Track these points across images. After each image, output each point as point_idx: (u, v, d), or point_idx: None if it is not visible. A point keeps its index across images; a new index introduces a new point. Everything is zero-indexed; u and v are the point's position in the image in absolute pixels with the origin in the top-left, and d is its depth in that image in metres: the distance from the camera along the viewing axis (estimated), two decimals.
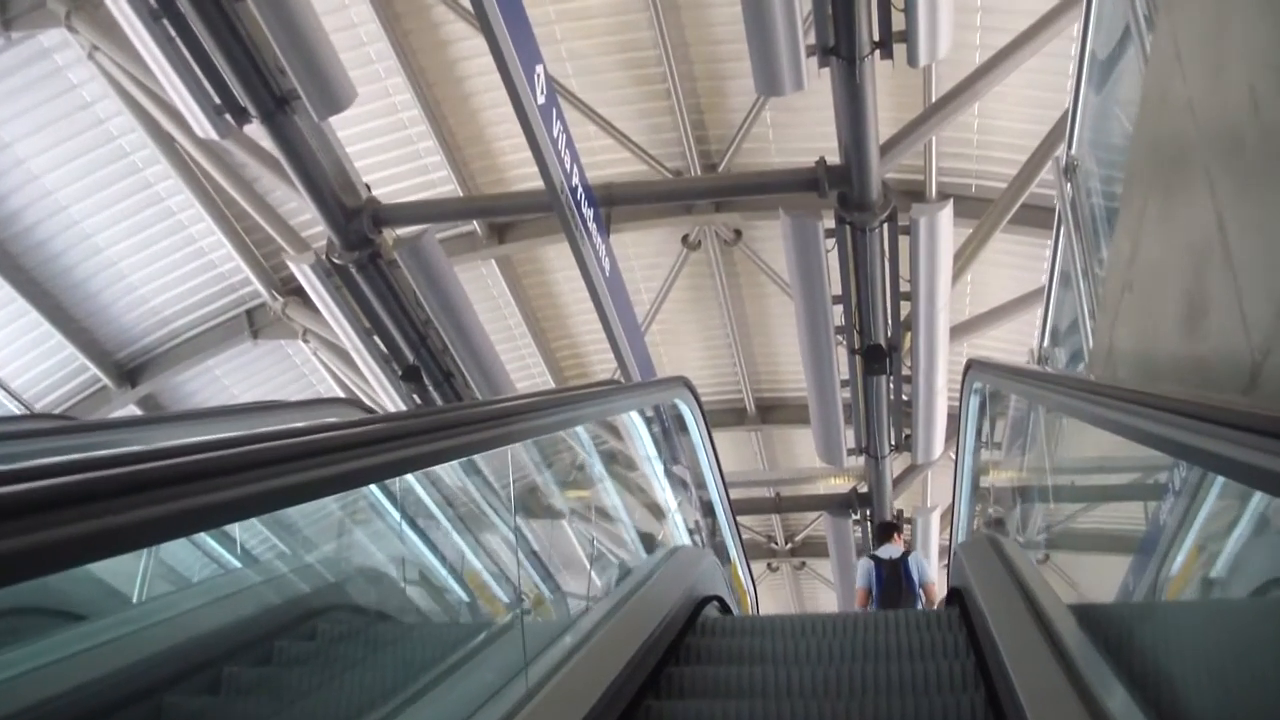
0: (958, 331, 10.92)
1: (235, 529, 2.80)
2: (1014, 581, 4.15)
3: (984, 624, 3.89)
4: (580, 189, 8.08)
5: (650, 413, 6.26)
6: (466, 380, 10.17)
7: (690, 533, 7.01)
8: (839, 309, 9.47)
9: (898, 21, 6.90)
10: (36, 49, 9.14)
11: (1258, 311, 2.39)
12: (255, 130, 8.14)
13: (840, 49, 6.88)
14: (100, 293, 11.27)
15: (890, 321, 9.58)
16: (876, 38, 6.94)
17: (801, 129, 10.66)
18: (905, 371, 10.30)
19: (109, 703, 2.37)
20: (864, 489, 13.52)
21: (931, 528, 13.86)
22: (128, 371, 12.15)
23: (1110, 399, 2.49)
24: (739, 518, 9.03)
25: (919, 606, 8.16)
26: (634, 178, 10.74)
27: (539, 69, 7.07)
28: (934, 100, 9.26)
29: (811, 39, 7.02)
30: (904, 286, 9.17)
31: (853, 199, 8.37)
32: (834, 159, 8.25)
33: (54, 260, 10.67)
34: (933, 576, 8.89)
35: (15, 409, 11.25)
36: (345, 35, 9.32)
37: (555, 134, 7.43)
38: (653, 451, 6.31)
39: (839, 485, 14.32)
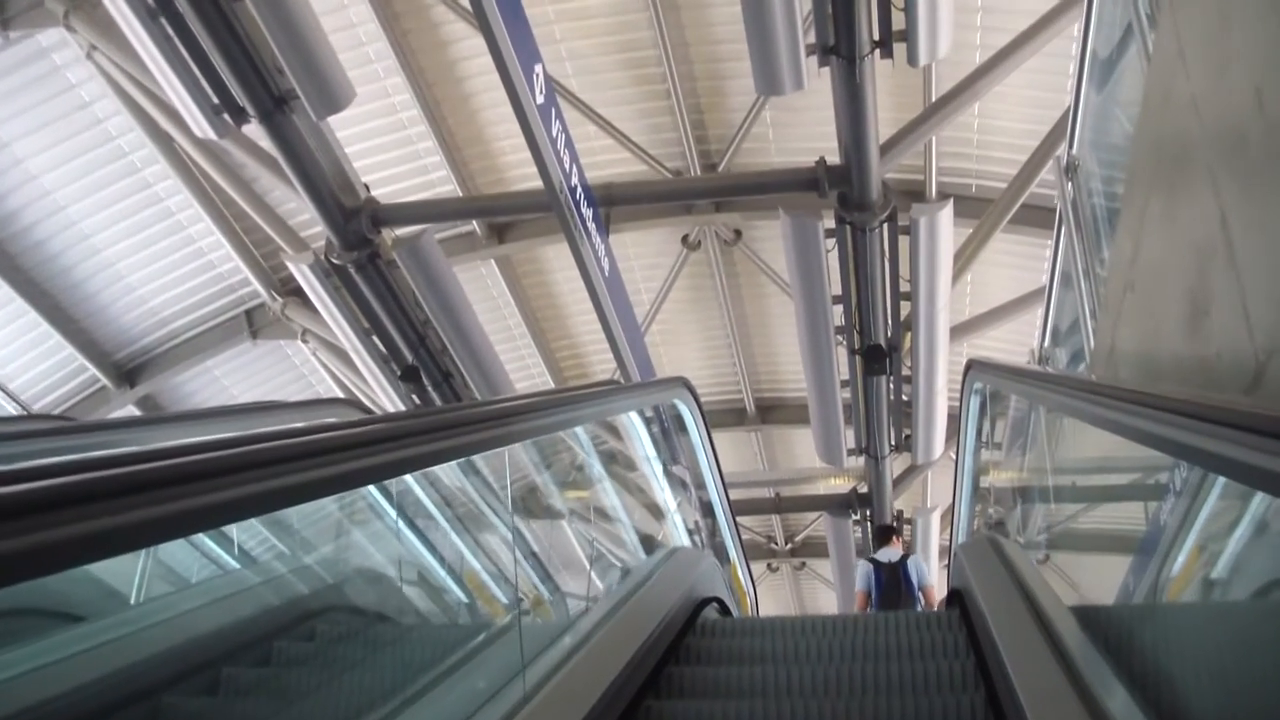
0: (958, 332, 10.91)
1: (233, 530, 2.79)
2: (1014, 582, 4.15)
3: (984, 624, 3.88)
4: (579, 189, 8.07)
5: (650, 413, 6.25)
6: (465, 380, 10.16)
7: (690, 533, 7.00)
8: (839, 309, 9.46)
9: (898, 21, 6.89)
10: (34, 48, 9.12)
11: (1262, 312, 2.37)
12: (254, 130, 8.13)
13: (840, 48, 6.87)
14: (99, 293, 11.25)
15: (890, 321, 9.57)
16: (876, 37, 6.93)
17: (801, 129, 10.65)
18: (905, 372, 10.29)
19: (107, 704, 2.37)
20: (864, 489, 13.50)
21: (931, 528, 13.85)
22: (127, 372, 12.14)
23: (1113, 399, 2.48)
24: (739, 518, 9.01)
25: (918, 609, 8.15)
26: (634, 178, 10.72)
27: (538, 68, 7.06)
28: (934, 100, 9.25)
29: (811, 38, 7.01)
30: (904, 286, 9.16)
31: (853, 199, 8.36)
32: (834, 159, 8.24)
33: (52, 260, 10.65)
34: (931, 580, 8.89)
35: (13, 410, 11.23)
36: (344, 35, 9.31)
37: (554, 134, 7.42)
38: (652, 452, 6.30)
39: (839, 485, 14.30)
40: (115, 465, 1.36)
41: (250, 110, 7.54)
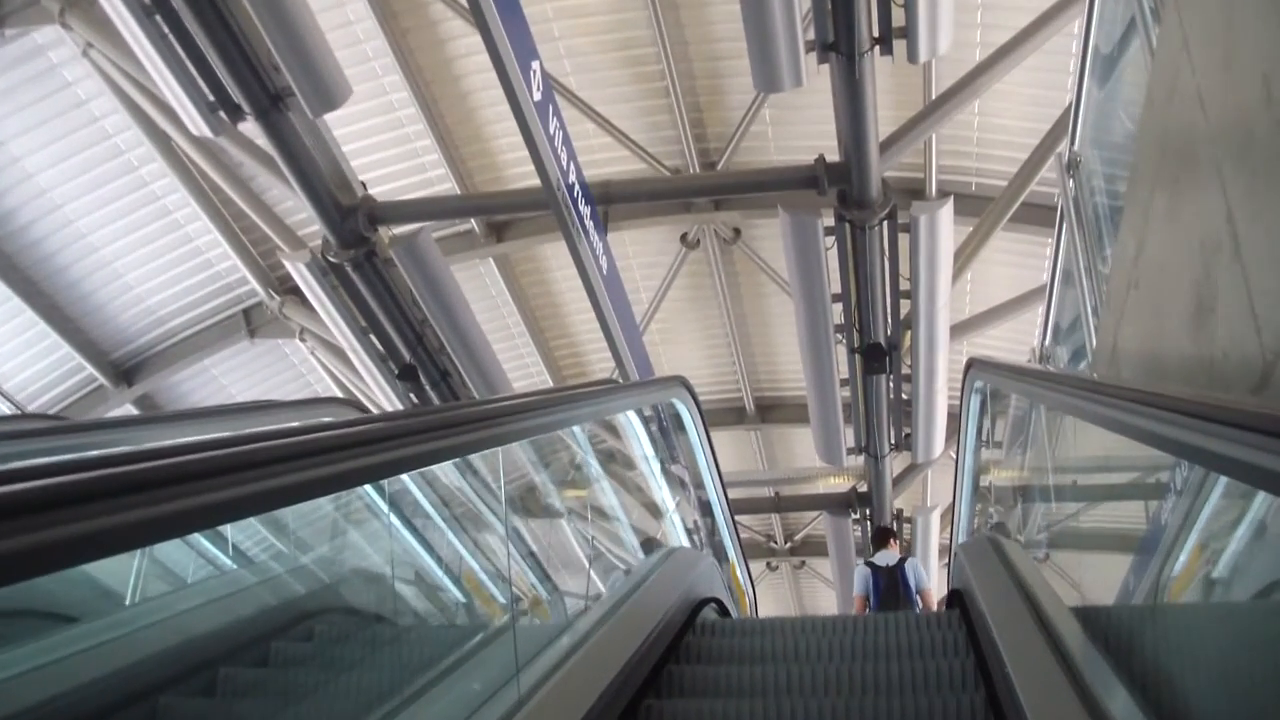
0: (958, 330, 10.89)
1: (228, 530, 2.77)
2: (1015, 583, 4.13)
3: (984, 624, 3.86)
4: (577, 187, 8.04)
5: (648, 412, 6.22)
6: (463, 379, 10.13)
7: (688, 533, 6.98)
8: (838, 307, 9.43)
9: (898, 18, 6.87)
10: (30, 46, 9.09)
11: (1270, 310, 2.34)
12: (250, 128, 8.10)
13: (840, 45, 6.84)
14: (96, 292, 11.22)
15: (890, 320, 9.54)
16: (876, 34, 6.91)
17: (801, 126, 10.63)
18: (905, 370, 10.27)
19: (104, 705, 2.37)
20: (864, 488, 13.49)
21: (931, 527, 13.84)
22: (124, 371, 12.11)
23: (1116, 399, 2.46)
24: (738, 517, 8.99)
25: (917, 612, 8.13)
26: (632, 176, 10.69)
27: (535, 64, 7.03)
28: (934, 97, 9.23)
29: (811, 35, 6.98)
30: (904, 285, 9.13)
31: (852, 197, 8.33)
32: (833, 157, 8.21)
33: (49, 259, 10.62)
34: (929, 583, 8.88)
35: (7, 409, 11.20)
36: (342, 33, 9.28)
37: (551, 131, 7.39)
38: (650, 451, 6.28)
39: (838, 484, 14.29)
40: (107, 465, 1.35)
41: (246, 108, 7.51)
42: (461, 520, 3.61)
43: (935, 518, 13.83)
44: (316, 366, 13.26)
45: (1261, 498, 1.84)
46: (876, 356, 9.78)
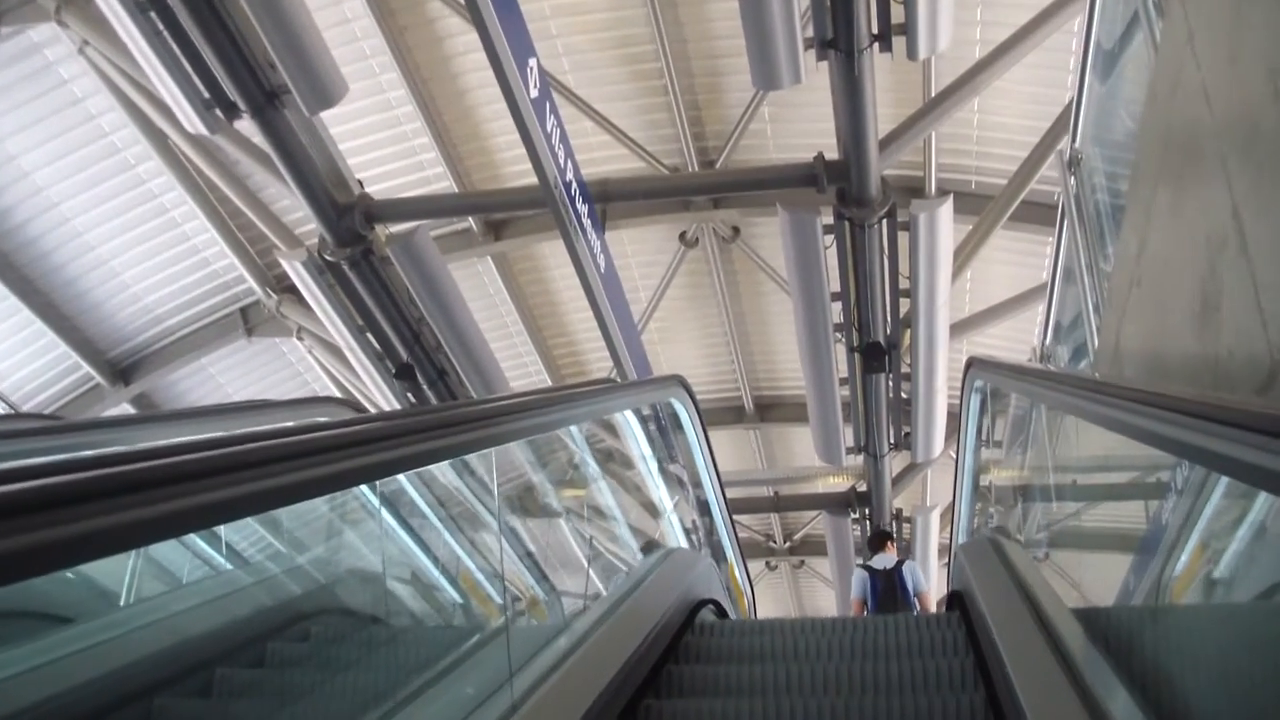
0: (957, 329, 10.88)
1: (223, 530, 2.75)
2: (1015, 583, 4.11)
3: (984, 625, 3.85)
4: (575, 185, 8.02)
5: (646, 411, 6.20)
6: (460, 378, 10.11)
7: (687, 533, 6.96)
8: (838, 306, 9.41)
9: (897, 14, 6.84)
10: (26, 44, 9.07)
11: (1277, 306, 2.32)
12: (247, 126, 8.07)
13: (839, 42, 6.82)
14: (92, 290, 11.20)
15: (889, 319, 9.52)
16: (875, 30, 6.88)
17: (799, 124, 10.61)
18: (905, 369, 10.25)
19: (99, 706, 2.37)
20: (863, 488, 13.47)
21: (931, 527, 13.82)
22: (121, 370, 12.08)
23: (1119, 399, 2.43)
24: (737, 517, 8.97)
25: (915, 615, 8.12)
26: (631, 174, 10.68)
27: (532, 62, 7.01)
28: (933, 95, 9.21)
29: (809, 32, 6.96)
30: (903, 283, 9.11)
31: (851, 195, 8.30)
32: (832, 155, 8.20)
33: (45, 258, 10.60)
34: (927, 586, 8.87)
35: (2, 408, 11.17)
36: (339, 30, 9.26)
37: (549, 128, 7.36)
38: (648, 450, 6.25)
39: (838, 484, 14.27)
40: (103, 465, 1.35)
41: (242, 105, 7.48)
42: (458, 520, 3.59)
43: (935, 517, 13.81)
44: (314, 365, 13.23)
45: (1263, 498, 1.82)
46: (876, 355, 9.75)
